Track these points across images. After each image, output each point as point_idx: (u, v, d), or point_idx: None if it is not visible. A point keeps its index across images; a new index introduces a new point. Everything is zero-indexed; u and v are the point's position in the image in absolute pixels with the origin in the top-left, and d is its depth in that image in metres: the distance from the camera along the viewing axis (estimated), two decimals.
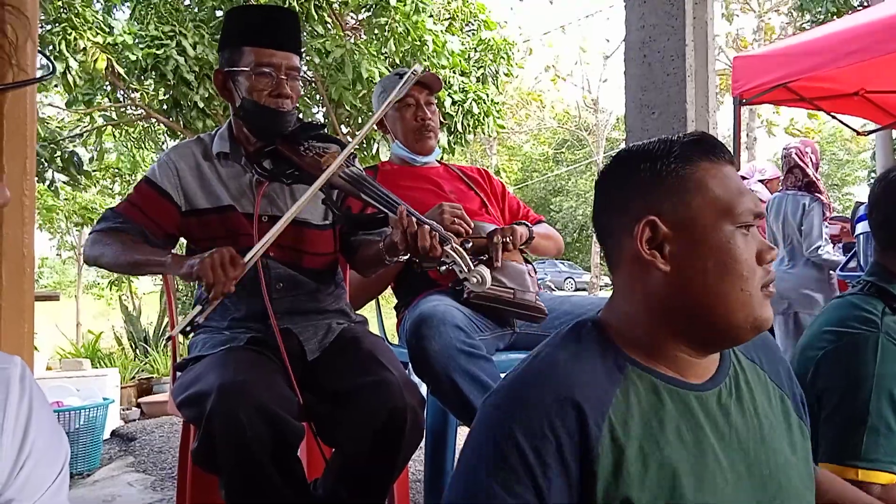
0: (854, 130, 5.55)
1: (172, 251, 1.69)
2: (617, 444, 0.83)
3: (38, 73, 1.68)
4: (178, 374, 1.74)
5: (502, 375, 1.93)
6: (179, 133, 4.61)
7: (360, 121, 5.03)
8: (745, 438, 0.91)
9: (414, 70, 1.77)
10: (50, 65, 2.89)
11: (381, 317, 2.41)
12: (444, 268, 1.60)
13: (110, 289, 6.48)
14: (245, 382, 1.42)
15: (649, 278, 0.90)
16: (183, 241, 1.83)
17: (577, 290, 22.75)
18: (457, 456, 2.21)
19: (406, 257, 1.67)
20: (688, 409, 0.89)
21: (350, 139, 1.90)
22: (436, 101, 2.34)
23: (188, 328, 1.43)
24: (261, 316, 1.69)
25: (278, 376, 1.55)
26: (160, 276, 1.78)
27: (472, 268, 1.57)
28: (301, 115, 1.80)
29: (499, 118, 5.73)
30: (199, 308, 1.44)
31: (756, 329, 0.89)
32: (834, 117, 5.13)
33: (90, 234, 1.70)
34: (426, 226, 1.55)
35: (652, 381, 0.89)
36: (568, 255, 28.95)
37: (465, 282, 1.59)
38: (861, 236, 3.12)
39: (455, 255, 1.57)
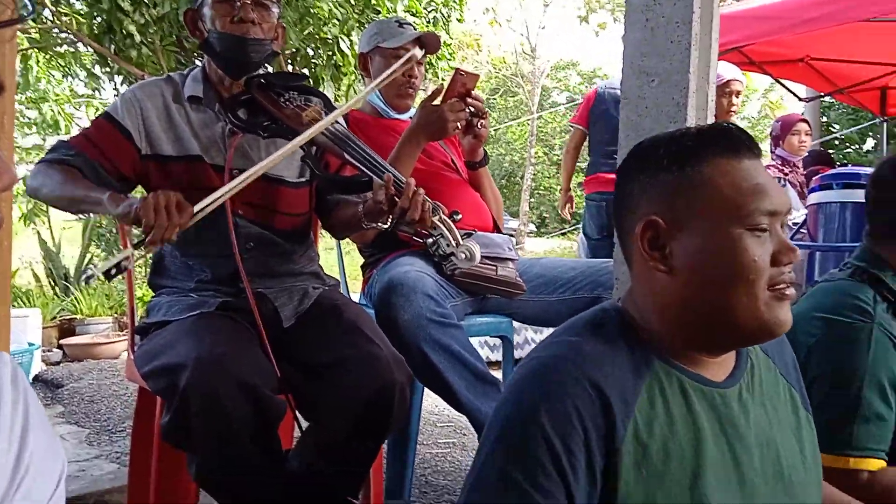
0: (796, 96, 5.67)
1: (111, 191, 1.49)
2: (640, 442, 0.81)
3: None
4: (138, 337, 1.62)
5: (472, 340, 1.93)
6: (111, 61, 4.27)
7: (307, 62, 4.79)
8: (761, 435, 0.91)
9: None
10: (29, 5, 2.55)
11: (345, 276, 2.31)
12: (430, 240, 1.51)
13: (23, 222, 6.04)
14: (224, 355, 1.31)
15: (654, 279, 0.88)
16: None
17: None
18: (421, 425, 2.19)
19: (386, 225, 1.58)
20: (712, 407, 0.87)
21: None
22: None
23: (114, 270, 1.26)
24: (230, 278, 1.58)
25: (256, 347, 1.45)
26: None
27: (461, 242, 1.48)
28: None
29: (451, 60, 5.59)
30: (130, 251, 1.28)
31: (768, 333, 0.85)
32: (779, 82, 5.22)
33: (37, 164, 1.55)
34: (420, 195, 1.45)
35: (678, 377, 0.87)
36: None
37: (452, 256, 1.50)
38: (812, 209, 3.17)
39: (443, 228, 1.49)
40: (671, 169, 0.86)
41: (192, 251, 1.62)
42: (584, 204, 3.89)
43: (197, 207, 1.34)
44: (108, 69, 4.49)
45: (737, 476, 0.85)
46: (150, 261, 1.70)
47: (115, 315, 5.25)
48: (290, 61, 5.00)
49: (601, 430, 0.79)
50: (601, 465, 0.79)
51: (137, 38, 3.85)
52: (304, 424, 1.52)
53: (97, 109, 6.01)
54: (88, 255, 6.33)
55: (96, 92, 5.66)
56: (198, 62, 1.71)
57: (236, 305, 1.54)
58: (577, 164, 4.37)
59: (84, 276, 1.20)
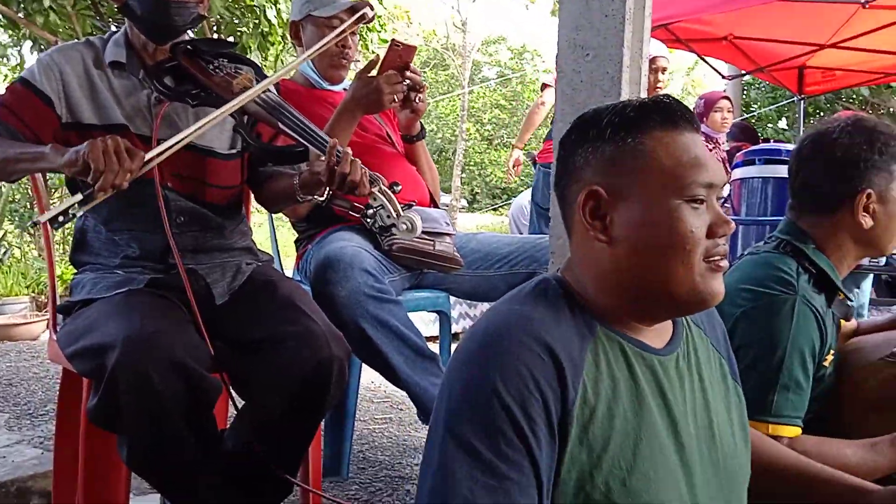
0: (719, 73, 5.82)
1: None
2: (588, 404, 0.82)
3: None
4: (61, 317, 1.54)
5: (410, 315, 1.92)
6: (21, 25, 4.02)
7: (232, 30, 4.63)
8: (696, 402, 0.93)
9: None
10: None
11: (278, 251, 2.25)
12: (370, 211, 1.49)
13: None
14: (155, 334, 1.26)
15: (594, 249, 0.89)
16: None
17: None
18: (358, 401, 2.17)
19: (323, 198, 1.54)
20: (653, 373, 0.89)
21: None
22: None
23: (61, 217, 1.21)
24: (159, 255, 1.52)
25: (188, 325, 1.40)
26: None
27: (402, 213, 1.46)
28: None
29: (382, 32, 5.50)
30: (79, 197, 1.23)
31: (701, 304, 0.88)
32: (703, 59, 5.35)
33: None
34: (357, 164, 1.42)
35: (620, 343, 0.89)
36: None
37: (393, 227, 1.48)
38: (735, 183, 3.27)
39: (383, 199, 1.46)
40: (613, 140, 0.87)
41: (118, 225, 1.54)
42: (540, 171, 3.87)
43: (149, 156, 1.28)
44: (12, 32, 4.22)
45: (674, 442, 0.87)
46: (72, 236, 1.61)
47: (33, 294, 5.03)
48: (214, 29, 4.83)
49: (557, 393, 0.79)
50: (557, 428, 0.79)
51: (47, 2, 3.61)
52: (241, 404, 1.48)
53: (6, 77, 5.69)
54: (1, 232, 6.02)
55: (3, 59, 5.35)
56: (114, 27, 1.61)
57: (166, 282, 1.48)
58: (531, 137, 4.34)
59: (29, 223, 1.14)
